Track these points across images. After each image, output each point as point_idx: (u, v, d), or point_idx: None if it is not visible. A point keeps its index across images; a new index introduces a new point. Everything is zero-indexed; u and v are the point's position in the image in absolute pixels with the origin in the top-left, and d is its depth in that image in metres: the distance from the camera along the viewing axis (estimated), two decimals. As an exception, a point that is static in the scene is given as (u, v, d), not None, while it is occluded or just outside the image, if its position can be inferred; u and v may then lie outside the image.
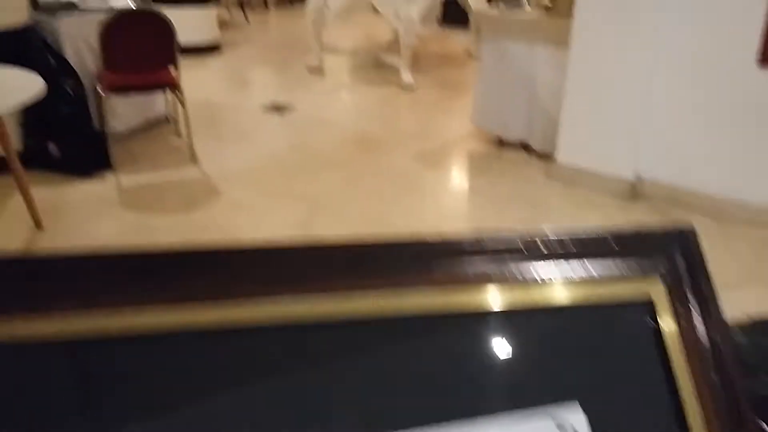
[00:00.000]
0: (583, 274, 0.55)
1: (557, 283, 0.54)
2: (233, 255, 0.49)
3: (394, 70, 5.86)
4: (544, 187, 3.84)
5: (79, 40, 3.78)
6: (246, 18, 7.97)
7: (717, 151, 3.44)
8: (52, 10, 3.83)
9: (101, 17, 3.69)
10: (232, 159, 4.06)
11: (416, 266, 0.51)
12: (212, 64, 6.16)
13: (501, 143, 4.40)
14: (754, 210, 3.39)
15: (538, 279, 0.54)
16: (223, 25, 6.68)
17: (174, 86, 3.84)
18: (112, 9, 3.93)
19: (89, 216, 3.31)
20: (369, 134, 4.58)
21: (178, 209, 3.44)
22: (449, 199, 3.69)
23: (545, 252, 0.55)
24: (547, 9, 4.05)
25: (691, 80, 3.39)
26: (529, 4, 4.20)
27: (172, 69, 3.78)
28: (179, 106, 4.02)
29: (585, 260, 0.55)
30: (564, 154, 3.86)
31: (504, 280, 0.53)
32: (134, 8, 3.67)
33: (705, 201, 3.51)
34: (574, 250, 0.55)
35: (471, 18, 6.57)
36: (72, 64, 3.70)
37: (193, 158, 3.99)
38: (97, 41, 3.56)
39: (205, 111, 4.77)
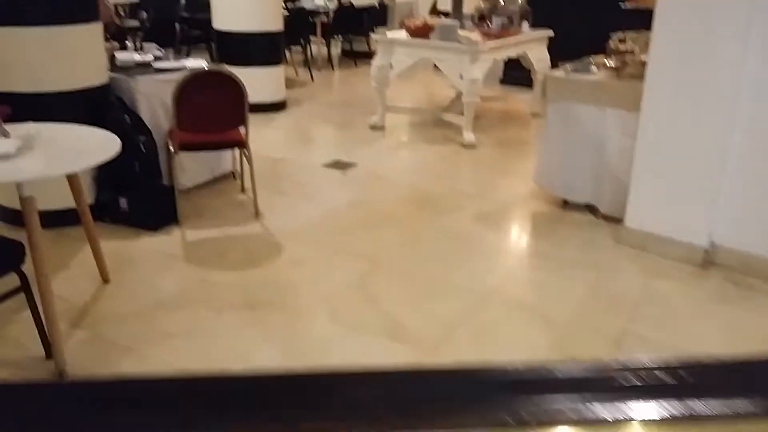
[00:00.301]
0: (689, 413, 0.46)
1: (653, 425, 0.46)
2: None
3: (456, 129, 5.86)
4: (612, 251, 3.71)
5: (153, 98, 3.93)
6: (311, 77, 8.19)
7: (800, 219, 3.25)
8: (128, 70, 4.01)
9: (175, 77, 3.84)
10: (294, 215, 4.09)
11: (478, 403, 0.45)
12: (278, 122, 6.31)
13: (565, 204, 4.30)
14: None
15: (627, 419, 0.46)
16: (289, 83, 6.87)
17: (243, 145, 3.93)
18: (185, 69, 4.09)
19: (153, 270, 3.37)
20: (429, 192, 4.56)
21: (239, 265, 3.46)
22: (512, 262, 3.59)
23: (640, 384, 0.47)
24: (615, 71, 3.99)
25: (766, 150, 3.25)
26: (595, 66, 4.15)
27: (241, 129, 3.88)
28: (245, 162, 4.10)
29: (693, 396, 0.46)
30: (633, 218, 3.73)
31: (586, 421, 0.45)
32: (208, 69, 3.80)
33: (786, 271, 3.32)
34: (677, 383, 0.47)
35: (534, 77, 6.56)
36: (146, 122, 3.84)
37: (257, 214, 4.04)
38: (170, 100, 3.69)
39: (269, 167, 4.86)
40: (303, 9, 8.51)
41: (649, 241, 3.66)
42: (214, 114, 3.73)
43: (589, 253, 3.68)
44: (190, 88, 3.58)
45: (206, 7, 8.70)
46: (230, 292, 3.17)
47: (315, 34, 8.70)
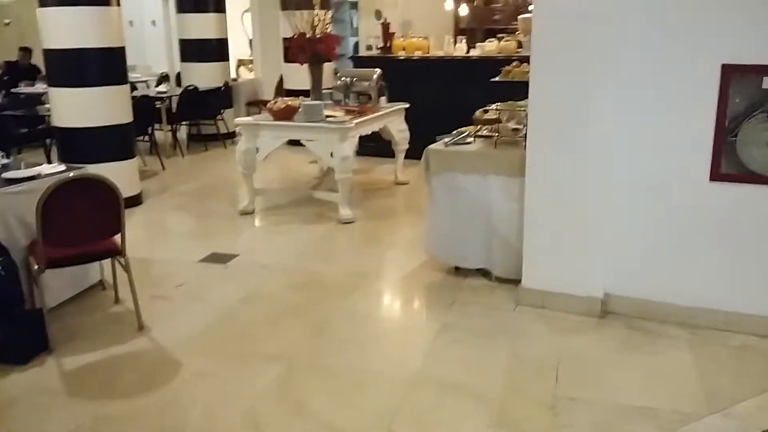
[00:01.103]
0: None
1: None
2: None
3: (330, 205, 5.80)
4: (515, 313, 3.77)
5: (6, 213, 3.46)
6: (162, 166, 7.77)
7: (681, 263, 3.51)
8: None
9: (33, 187, 3.42)
10: (184, 321, 3.74)
11: None
12: (137, 218, 5.86)
13: (458, 271, 4.34)
14: (722, 318, 3.45)
15: None
16: (140, 174, 6.43)
17: (119, 254, 3.56)
18: (41, 176, 3.66)
19: (33, 413, 2.87)
20: (321, 275, 4.40)
21: (134, 390, 3.06)
22: (425, 339, 3.51)
23: None
24: (489, 139, 4.15)
25: (650, 199, 3.50)
26: (471, 136, 4.30)
27: (117, 237, 3.51)
28: (118, 270, 3.71)
29: None
30: (531, 279, 3.84)
31: None
32: (76, 175, 3.40)
33: (675, 312, 3.55)
34: None
35: (395, 148, 6.71)
36: (0, 241, 3.36)
37: (141, 327, 3.64)
38: (30, 213, 3.26)
39: (141, 270, 4.44)
40: (146, 96, 8.13)
41: (548, 298, 3.77)
42: (86, 224, 3.35)
43: (495, 318, 3.71)
44: (58, 198, 3.19)
45: (32, 102, 8.06)
46: (132, 426, 2.77)
47: (161, 121, 8.32)
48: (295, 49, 5.88)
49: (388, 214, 5.90)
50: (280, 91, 10.11)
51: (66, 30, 5.54)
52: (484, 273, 4.26)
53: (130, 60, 7.77)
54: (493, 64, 7.32)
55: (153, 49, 12.86)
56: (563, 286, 3.73)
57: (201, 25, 9.05)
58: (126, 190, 6.00)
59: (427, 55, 7.84)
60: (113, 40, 5.76)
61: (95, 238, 3.45)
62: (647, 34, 3.32)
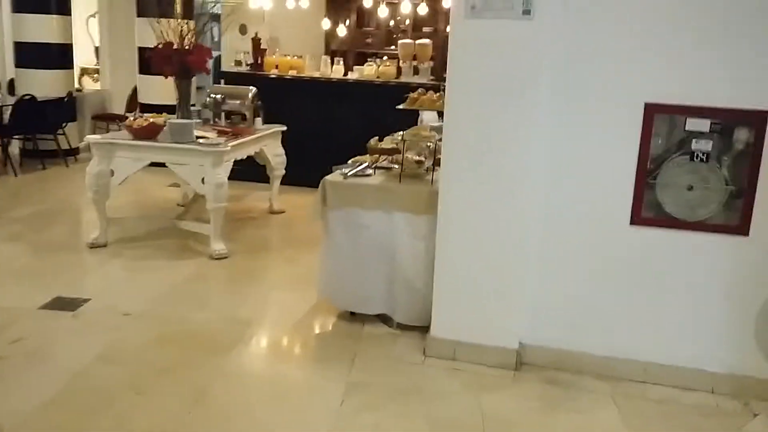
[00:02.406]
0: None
1: None
2: None
3: (200, 237, 5.13)
4: (425, 367, 3.38)
5: None
6: (-12, 185, 6.61)
7: (599, 310, 3.32)
8: None
9: None
10: (23, 390, 2.96)
11: None
12: (-46, 251, 4.82)
13: (353, 316, 3.89)
14: (641, 369, 3.29)
15: None
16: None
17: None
18: None
19: None
20: (197, 325, 3.75)
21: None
22: (330, 404, 3.01)
23: None
24: (390, 171, 3.77)
25: (568, 242, 3.29)
26: (370, 168, 3.90)
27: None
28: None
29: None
30: (440, 328, 3.47)
31: None
32: None
33: (592, 362, 3.35)
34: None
35: (270, 174, 6.16)
36: None
37: (-39, 402, 2.82)
38: None
39: (-39, 322, 3.56)
40: (-29, 105, 6.91)
41: (460, 349, 3.43)
42: None
43: (404, 374, 3.30)
44: None
45: None
46: None
47: (-13, 133, 7.11)
48: (159, 60, 5.17)
49: (266, 248, 5.33)
50: (133, 104, 9.14)
51: None
52: (383, 319, 3.84)
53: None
54: (373, 88, 7.05)
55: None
56: (476, 335, 3.41)
57: (41, 28, 7.93)
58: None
59: (303, 75, 7.38)
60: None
61: None
62: (568, 67, 3.11)
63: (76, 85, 8.96)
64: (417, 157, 3.92)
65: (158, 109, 7.29)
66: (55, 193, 6.81)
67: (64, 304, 3.92)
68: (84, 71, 11.48)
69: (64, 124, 8.12)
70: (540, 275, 3.34)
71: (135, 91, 8.91)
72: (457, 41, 3.15)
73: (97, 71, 11.93)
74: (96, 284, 4.32)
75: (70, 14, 8.34)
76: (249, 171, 6.35)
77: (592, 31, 3.07)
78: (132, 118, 4.99)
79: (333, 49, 9.80)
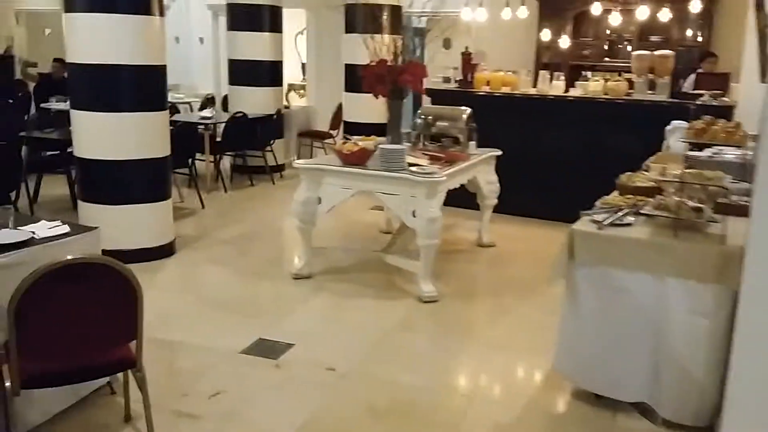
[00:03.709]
0: None
1: None
2: None
3: (405, 274, 4.63)
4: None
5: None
6: (201, 203, 6.68)
7: None
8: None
9: (14, 260, 2.31)
10: (219, 467, 2.57)
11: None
12: (166, 275, 4.76)
13: (599, 400, 3.09)
14: None
15: None
16: (174, 212, 5.31)
17: (133, 366, 2.41)
18: (34, 241, 2.55)
19: None
20: (411, 393, 3.18)
21: None
22: None
23: None
24: (677, 225, 2.91)
25: None
26: (630, 214, 3.09)
27: (131, 345, 2.37)
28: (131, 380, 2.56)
29: None
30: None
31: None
32: (74, 260, 2.23)
33: None
34: None
35: (482, 202, 5.52)
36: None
37: (157, 472, 2.48)
38: (5, 305, 2.14)
39: (163, 362, 3.32)
40: (188, 123, 7.09)
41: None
42: (84, 329, 2.22)
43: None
44: (43, 292, 2.06)
45: (62, 120, 7.04)
46: None
47: (202, 150, 7.27)
48: (372, 79, 4.75)
49: (478, 291, 4.69)
50: (337, 122, 9.05)
51: (96, 41, 4.51)
52: (642, 410, 3.01)
53: (173, 79, 6.78)
54: (599, 107, 6.15)
55: (199, 68, 11.95)
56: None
57: (254, 45, 8.03)
58: (155, 239, 4.97)
59: (517, 92, 6.66)
60: (154, 56, 4.72)
61: (97, 347, 2.31)
62: None
63: (284, 102, 9.04)
64: (692, 203, 3.05)
65: (363, 128, 7.01)
66: (261, 212, 6.75)
67: (266, 350, 3.57)
68: (291, 87, 11.75)
69: (272, 141, 8.17)
70: None
71: (340, 108, 8.81)
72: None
73: (303, 88, 12.18)
74: (300, 325, 3.95)
75: (281, 32, 8.40)
76: (455, 196, 5.76)
77: None
78: (341, 142, 4.61)
79: (544, 62, 8.97)
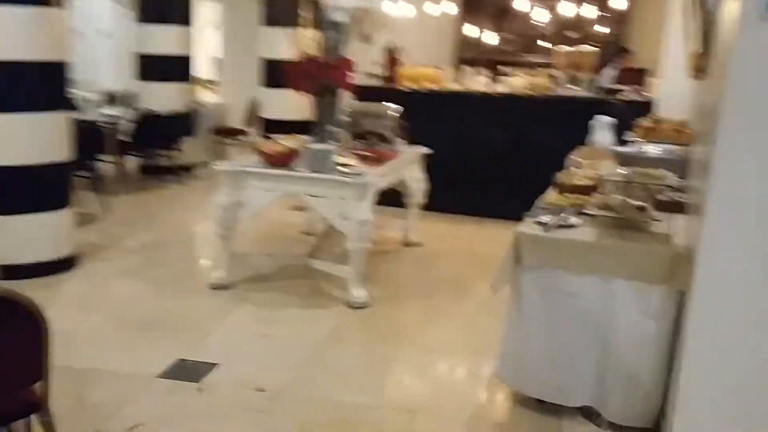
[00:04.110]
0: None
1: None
2: None
3: (332, 278, 4.39)
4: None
5: None
6: (106, 209, 6.15)
7: None
8: None
9: None
10: None
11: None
12: (66, 291, 4.30)
13: (542, 405, 2.98)
14: None
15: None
16: (75, 219, 4.83)
17: (39, 410, 2.06)
18: None
19: None
20: (348, 411, 2.96)
21: None
22: None
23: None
24: (620, 225, 2.82)
25: None
26: (572, 214, 2.99)
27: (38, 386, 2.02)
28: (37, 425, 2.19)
29: None
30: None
31: None
32: None
33: None
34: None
35: (409, 201, 5.35)
36: None
37: None
38: None
39: (74, 395, 2.93)
40: (91, 122, 6.53)
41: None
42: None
43: None
44: None
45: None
46: None
47: (106, 151, 6.72)
48: (299, 76, 4.47)
49: (409, 294, 4.51)
50: (252, 118, 8.67)
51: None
52: (586, 413, 2.91)
53: (75, 75, 6.24)
54: (524, 103, 6.13)
55: (102, 63, 11.17)
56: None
57: (163, 39, 7.53)
58: (53, 251, 4.45)
59: (441, 88, 6.54)
60: (53, 52, 4.24)
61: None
62: None
63: (194, 99, 8.56)
64: (634, 201, 2.98)
65: (284, 126, 6.71)
66: (173, 218, 6.31)
67: (187, 372, 3.24)
68: (201, 82, 11.21)
69: (182, 140, 7.71)
70: None
71: (254, 103, 8.43)
72: (745, 51, 2.18)
73: (213, 83, 11.65)
74: (223, 342, 3.63)
75: (189, 24, 7.93)
76: (381, 194, 5.57)
77: None
78: (265, 142, 4.31)
79: (465, 57, 8.93)
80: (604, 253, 2.70)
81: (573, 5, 6.87)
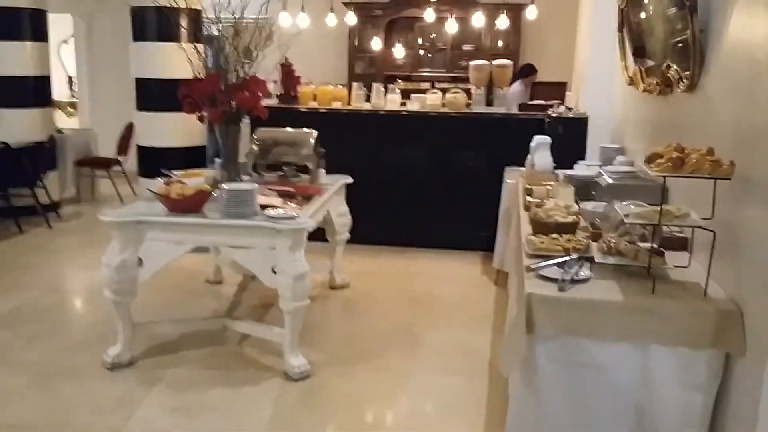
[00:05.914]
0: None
1: None
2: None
3: (262, 343, 3.67)
4: None
5: None
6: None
7: None
8: None
9: None
10: None
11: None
12: None
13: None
14: None
15: None
16: None
17: None
18: None
19: None
20: None
21: None
22: None
23: None
24: (637, 274, 2.35)
25: None
26: (586, 259, 2.49)
27: None
28: None
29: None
30: None
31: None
32: None
33: None
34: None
35: (334, 239, 4.70)
36: None
37: None
38: None
39: None
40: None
41: None
42: None
43: None
44: None
45: None
46: None
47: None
48: (197, 99, 3.69)
49: (354, 352, 3.83)
50: (126, 146, 7.63)
51: None
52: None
53: None
54: (440, 121, 5.68)
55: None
56: None
57: (14, 57, 6.36)
58: None
59: (349, 107, 5.95)
60: None
61: None
62: None
63: (56, 125, 7.37)
64: (646, 244, 2.54)
65: (163, 153, 5.87)
66: (41, 272, 5.22)
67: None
68: (57, 105, 9.88)
69: (43, 174, 6.56)
70: None
71: (129, 128, 7.39)
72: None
73: (71, 105, 10.35)
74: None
75: (46, 40, 6.79)
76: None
77: None
78: (165, 184, 3.49)
79: (358, 72, 8.39)
80: (640, 315, 2.22)
81: (483, 16, 6.50)
